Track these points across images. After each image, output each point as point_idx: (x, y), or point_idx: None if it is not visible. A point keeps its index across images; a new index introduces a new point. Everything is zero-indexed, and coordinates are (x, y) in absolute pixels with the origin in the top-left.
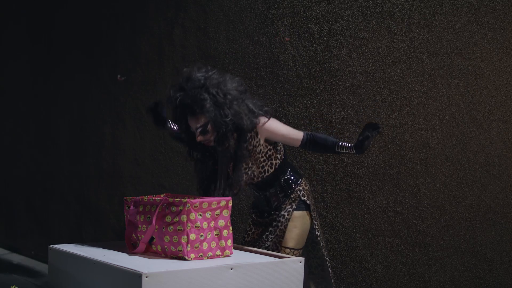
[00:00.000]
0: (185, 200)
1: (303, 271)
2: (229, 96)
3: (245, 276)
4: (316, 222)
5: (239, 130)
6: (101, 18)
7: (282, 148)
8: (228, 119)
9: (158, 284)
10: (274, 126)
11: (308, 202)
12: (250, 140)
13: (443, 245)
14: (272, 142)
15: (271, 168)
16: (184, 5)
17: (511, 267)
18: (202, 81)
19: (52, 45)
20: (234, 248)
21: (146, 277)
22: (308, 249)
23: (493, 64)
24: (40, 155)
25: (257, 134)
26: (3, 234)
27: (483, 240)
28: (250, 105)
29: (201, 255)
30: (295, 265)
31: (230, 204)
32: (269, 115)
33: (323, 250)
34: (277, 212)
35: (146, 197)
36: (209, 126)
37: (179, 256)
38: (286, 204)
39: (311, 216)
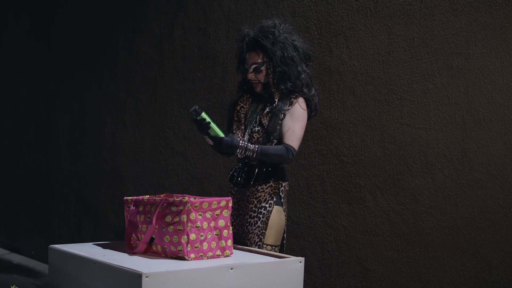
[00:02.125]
0: (185, 200)
1: (303, 271)
2: (290, 41)
3: (245, 276)
4: (285, 224)
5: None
6: (101, 18)
7: None
8: (279, 54)
9: (158, 284)
10: (297, 114)
11: (282, 200)
12: (287, 102)
13: (443, 245)
14: None
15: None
16: (184, 5)
17: (511, 267)
18: (272, 23)
19: (52, 45)
20: (234, 248)
21: (146, 277)
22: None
23: (493, 64)
24: (40, 155)
25: (291, 104)
26: (3, 234)
27: (483, 240)
28: (308, 71)
29: (201, 255)
30: (295, 265)
31: (230, 204)
32: (309, 99)
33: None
34: (255, 202)
35: (146, 197)
36: (263, 67)
37: (179, 256)
38: (265, 193)
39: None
